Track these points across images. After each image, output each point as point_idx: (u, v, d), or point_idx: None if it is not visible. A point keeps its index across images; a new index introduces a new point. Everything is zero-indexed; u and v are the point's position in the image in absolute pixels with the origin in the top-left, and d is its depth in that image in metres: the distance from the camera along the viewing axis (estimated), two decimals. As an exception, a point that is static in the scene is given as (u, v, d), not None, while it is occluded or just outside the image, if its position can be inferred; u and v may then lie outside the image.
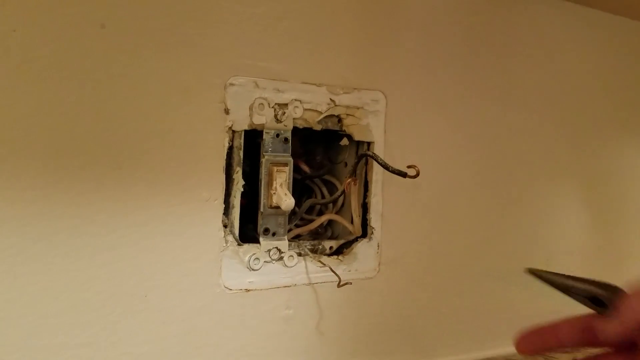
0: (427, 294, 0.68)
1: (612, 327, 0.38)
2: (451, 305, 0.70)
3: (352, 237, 0.63)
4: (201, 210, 0.52)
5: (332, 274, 0.58)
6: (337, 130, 0.61)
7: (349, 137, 0.62)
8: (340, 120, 0.60)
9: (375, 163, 0.59)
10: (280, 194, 0.55)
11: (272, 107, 0.55)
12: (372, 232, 0.63)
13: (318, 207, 0.65)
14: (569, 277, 0.45)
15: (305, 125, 0.58)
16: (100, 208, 0.48)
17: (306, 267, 0.58)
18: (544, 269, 0.44)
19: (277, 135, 0.56)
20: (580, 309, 0.42)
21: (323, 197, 0.65)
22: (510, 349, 0.75)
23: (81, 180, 0.47)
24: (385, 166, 0.55)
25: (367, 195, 0.63)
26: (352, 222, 0.62)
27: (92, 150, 0.47)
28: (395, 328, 0.66)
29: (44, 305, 0.46)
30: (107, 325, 0.49)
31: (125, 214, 0.49)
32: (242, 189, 0.54)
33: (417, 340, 0.68)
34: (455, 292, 0.71)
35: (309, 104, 0.58)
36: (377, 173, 0.63)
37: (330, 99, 0.59)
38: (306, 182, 0.65)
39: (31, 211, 0.45)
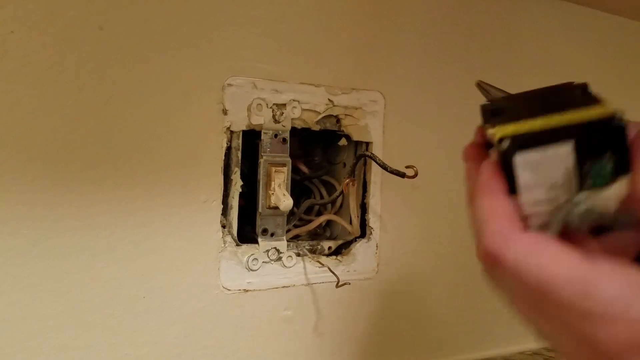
0: (426, 295, 0.68)
1: None
2: (450, 306, 0.70)
3: (350, 238, 0.63)
4: (200, 211, 0.52)
5: (331, 274, 0.58)
6: (335, 131, 0.61)
7: (348, 137, 0.62)
8: (338, 120, 0.60)
9: (373, 163, 0.59)
10: (279, 195, 0.55)
11: (270, 108, 0.55)
12: (371, 233, 0.63)
13: (317, 207, 0.65)
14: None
15: (304, 126, 0.58)
16: (100, 210, 0.48)
17: (305, 267, 0.58)
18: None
19: (276, 136, 0.56)
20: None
21: (322, 197, 0.65)
22: (510, 349, 0.75)
23: (81, 182, 0.47)
24: (384, 166, 0.55)
25: (365, 196, 0.63)
26: (350, 223, 0.62)
27: (92, 153, 0.47)
28: (394, 328, 0.66)
29: (44, 307, 0.46)
30: (108, 327, 0.49)
31: (125, 216, 0.49)
32: (240, 190, 0.54)
33: (416, 340, 0.68)
34: (454, 292, 0.71)
35: (307, 104, 0.58)
36: (375, 173, 0.63)
37: (329, 99, 0.59)
38: (305, 183, 0.65)
39: (31, 213, 0.45)
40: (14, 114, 0.44)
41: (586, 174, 0.31)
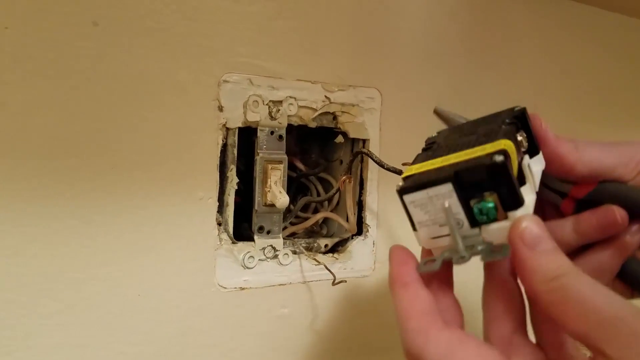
0: (423, 292, 0.68)
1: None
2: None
3: (347, 235, 0.63)
4: (195, 209, 0.52)
5: (327, 272, 0.58)
6: (332, 128, 0.60)
7: (344, 134, 0.62)
8: (335, 117, 0.60)
9: (370, 161, 0.59)
10: (275, 192, 0.55)
11: (267, 105, 0.55)
12: (368, 230, 0.63)
13: (313, 205, 0.65)
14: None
15: (300, 123, 0.58)
16: (96, 208, 0.47)
17: (301, 265, 0.58)
18: None
19: (272, 133, 0.56)
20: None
21: (318, 195, 0.65)
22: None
23: (77, 180, 0.47)
24: (381, 164, 0.55)
25: (362, 193, 0.63)
26: (347, 220, 0.62)
27: (87, 150, 0.47)
28: (390, 326, 0.66)
29: (41, 306, 0.46)
30: (104, 326, 0.48)
31: (121, 215, 0.49)
32: (236, 187, 0.54)
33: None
34: (451, 289, 0.71)
35: (303, 101, 0.57)
36: (372, 171, 0.62)
37: (325, 96, 0.59)
38: (301, 180, 0.65)
39: (28, 212, 0.45)
40: (9, 111, 0.44)
41: (472, 212, 0.32)
